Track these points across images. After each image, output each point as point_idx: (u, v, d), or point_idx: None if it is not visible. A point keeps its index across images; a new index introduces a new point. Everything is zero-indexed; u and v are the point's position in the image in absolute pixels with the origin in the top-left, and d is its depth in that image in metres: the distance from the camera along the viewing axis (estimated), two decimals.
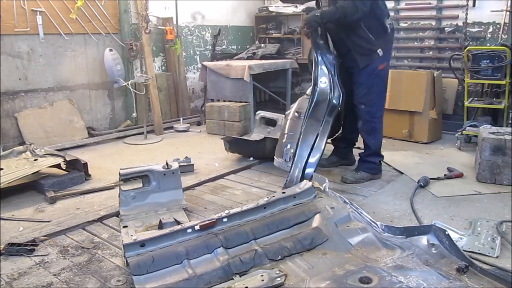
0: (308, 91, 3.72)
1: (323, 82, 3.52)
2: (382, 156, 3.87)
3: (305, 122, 3.47)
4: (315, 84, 3.53)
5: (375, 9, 3.48)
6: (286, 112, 3.83)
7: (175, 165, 3.21)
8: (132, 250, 2.27)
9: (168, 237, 2.37)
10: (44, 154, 3.84)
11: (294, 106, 3.80)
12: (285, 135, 3.62)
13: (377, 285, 2.02)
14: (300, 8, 6.71)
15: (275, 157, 3.65)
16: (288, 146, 3.51)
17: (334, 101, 3.50)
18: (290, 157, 3.44)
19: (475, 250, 2.51)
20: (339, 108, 3.57)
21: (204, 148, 4.94)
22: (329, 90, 3.50)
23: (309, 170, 3.30)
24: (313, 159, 3.37)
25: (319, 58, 3.54)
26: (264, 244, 2.38)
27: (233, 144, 4.40)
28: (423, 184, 3.56)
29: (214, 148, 4.95)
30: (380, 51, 3.54)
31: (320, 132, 3.43)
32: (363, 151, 3.88)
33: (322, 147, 3.43)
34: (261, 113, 4.68)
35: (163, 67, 6.18)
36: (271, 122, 4.64)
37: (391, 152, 4.58)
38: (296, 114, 3.66)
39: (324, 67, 3.52)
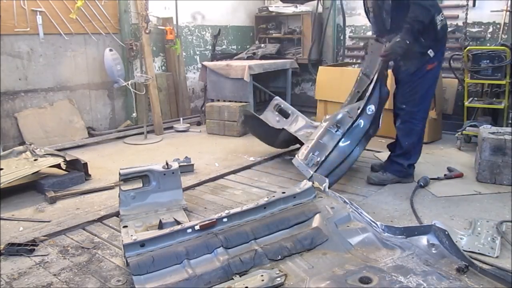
0: (348, 108, 3.68)
1: (371, 110, 3.49)
2: (413, 161, 3.71)
3: (341, 140, 3.45)
4: (363, 109, 3.48)
5: None
6: (322, 119, 3.82)
7: (175, 165, 3.21)
8: (132, 250, 2.27)
9: (168, 237, 2.37)
10: (44, 154, 3.84)
11: (332, 117, 3.74)
12: (314, 141, 3.60)
13: (377, 285, 2.02)
14: (300, 8, 6.71)
15: (297, 156, 3.63)
16: (316, 154, 3.48)
17: (371, 131, 3.51)
18: (313, 164, 3.42)
19: (475, 250, 2.51)
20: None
21: (204, 148, 4.94)
22: (371, 120, 3.47)
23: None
24: (334, 175, 3.40)
25: (377, 87, 3.51)
26: (264, 244, 2.38)
27: (248, 120, 4.40)
28: (423, 184, 3.56)
29: (214, 148, 4.95)
30: (431, 52, 3.40)
31: (350, 157, 3.45)
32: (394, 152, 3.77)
33: (346, 169, 3.47)
34: (278, 101, 4.68)
35: (163, 67, 6.18)
36: (284, 113, 4.63)
37: None
38: (336, 127, 3.62)
39: (377, 96, 3.49)
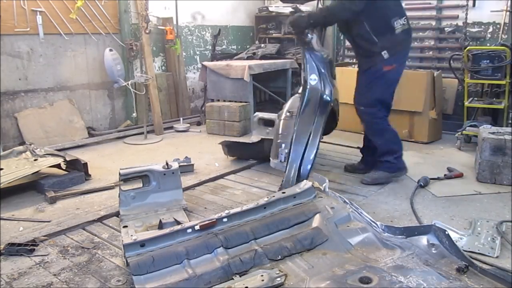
0: (300, 90, 3.67)
1: (313, 79, 3.48)
2: (398, 153, 3.69)
3: (297, 121, 3.42)
4: (305, 82, 3.50)
5: (382, 8, 3.39)
6: (279, 112, 3.80)
7: (175, 165, 3.21)
8: (132, 250, 2.27)
9: (168, 237, 2.36)
10: (44, 154, 3.84)
11: (287, 106, 3.75)
12: (279, 136, 3.58)
13: (377, 285, 2.02)
14: (300, 8, 6.70)
15: (270, 158, 3.62)
16: (283, 146, 3.46)
17: (326, 97, 3.46)
18: (285, 157, 3.39)
19: (475, 250, 2.51)
20: (332, 104, 3.51)
21: (204, 148, 4.94)
22: (320, 87, 3.46)
23: (305, 169, 3.28)
24: (308, 158, 3.33)
25: (307, 56, 3.50)
26: (264, 244, 2.38)
27: (231, 148, 4.39)
28: (423, 184, 3.56)
29: (214, 148, 4.94)
30: (385, 53, 3.43)
31: (313, 130, 3.39)
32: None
33: (316, 145, 3.39)
34: (259, 115, 4.65)
35: (163, 67, 6.18)
36: (270, 123, 4.63)
37: None
38: (288, 113, 3.61)
39: (313, 64, 3.49)
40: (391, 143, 3.68)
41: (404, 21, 3.49)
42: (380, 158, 3.72)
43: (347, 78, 5.42)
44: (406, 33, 3.55)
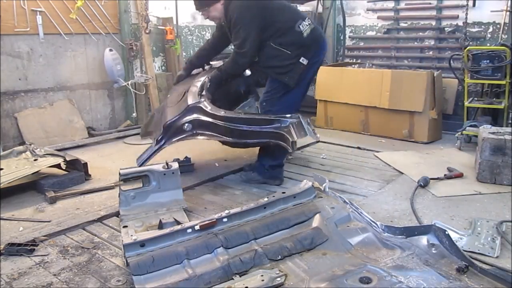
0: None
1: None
2: (277, 162, 3.66)
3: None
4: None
5: (280, 22, 3.39)
6: None
7: (175, 165, 3.21)
8: (132, 250, 2.27)
9: (168, 237, 2.37)
10: (44, 154, 3.84)
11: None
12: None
13: (377, 285, 2.02)
14: (300, 8, 6.70)
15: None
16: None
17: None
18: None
19: (475, 250, 2.51)
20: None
21: (204, 148, 4.94)
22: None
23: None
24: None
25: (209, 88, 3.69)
26: (264, 244, 2.38)
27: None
28: (423, 184, 3.56)
29: (214, 148, 4.94)
30: (303, 60, 3.43)
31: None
32: None
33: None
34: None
35: (163, 67, 6.18)
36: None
37: (391, 152, 4.59)
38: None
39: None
40: (276, 150, 3.55)
41: (308, 22, 3.50)
42: (260, 158, 3.72)
43: (347, 78, 5.44)
44: (314, 33, 3.52)
